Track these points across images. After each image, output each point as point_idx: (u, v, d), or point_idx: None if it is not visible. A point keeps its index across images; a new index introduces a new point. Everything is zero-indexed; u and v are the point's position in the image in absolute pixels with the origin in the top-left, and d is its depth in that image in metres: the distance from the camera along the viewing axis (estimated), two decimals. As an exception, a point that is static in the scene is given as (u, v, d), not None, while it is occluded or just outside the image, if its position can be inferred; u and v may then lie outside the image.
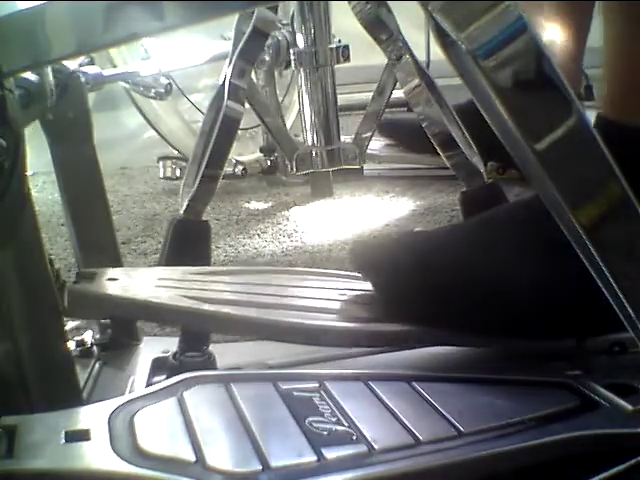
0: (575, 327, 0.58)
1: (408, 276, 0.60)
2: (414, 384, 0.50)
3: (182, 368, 0.58)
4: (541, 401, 0.48)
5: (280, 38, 1.24)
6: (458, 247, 0.61)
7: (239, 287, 0.66)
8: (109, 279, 0.62)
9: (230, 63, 0.96)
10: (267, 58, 1.25)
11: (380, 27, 1.01)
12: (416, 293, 0.59)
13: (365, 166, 1.33)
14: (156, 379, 0.61)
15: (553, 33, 1.14)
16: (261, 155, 1.43)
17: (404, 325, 0.59)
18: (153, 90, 1.13)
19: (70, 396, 0.51)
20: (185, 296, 0.61)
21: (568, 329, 0.58)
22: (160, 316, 0.61)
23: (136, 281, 0.64)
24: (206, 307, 0.59)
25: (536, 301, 0.57)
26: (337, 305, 0.63)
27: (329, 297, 0.65)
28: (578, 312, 0.56)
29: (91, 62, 0.80)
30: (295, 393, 0.49)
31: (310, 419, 0.45)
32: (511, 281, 0.57)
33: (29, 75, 0.58)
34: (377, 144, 1.41)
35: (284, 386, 0.49)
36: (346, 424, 0.45)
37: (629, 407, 0.47)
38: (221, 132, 0.94)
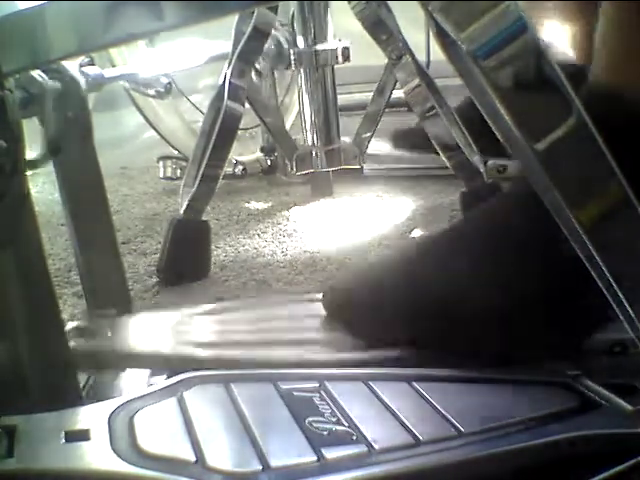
0: (575, 328, 0.57)
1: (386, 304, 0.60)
2: (414, 384, 0.50)
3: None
4: (541, 401, 0.48)
5: (280, 38, 1.24)
6: (426, 266, 0.60)
7: (241, 325, 0.66)
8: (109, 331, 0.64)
9: (230, 63, 0.96)
10: (267, 57, 1.25)
11: (380, 27, 1.01)
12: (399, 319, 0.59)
13: (365, 166, 1.33)
14: (156, 379, 0.61)
15: (559, 34, 1.13)
16: (261, 155, 1.43)
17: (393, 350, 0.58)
18: (153, 90, 1.13)
19: (70, 396, 0.51)
20: (189, 342, 0.61)
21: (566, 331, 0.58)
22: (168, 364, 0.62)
23: (135, 331, 0.65)
24: (210, 352, 0.60)
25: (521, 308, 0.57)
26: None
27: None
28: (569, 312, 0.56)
29: (91, 62, 0.80)
30: (295, 393, 0.49)
31: (310, 419, 0.45)
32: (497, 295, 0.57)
33: (29, 75, 0.58)
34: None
35: (284, 386, 0.49)
36: (346, 424, 0.45)
37: (629, 407, 0.47)
38: (221, 132, 0.94)
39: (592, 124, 0.38)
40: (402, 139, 1.34)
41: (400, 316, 0.59)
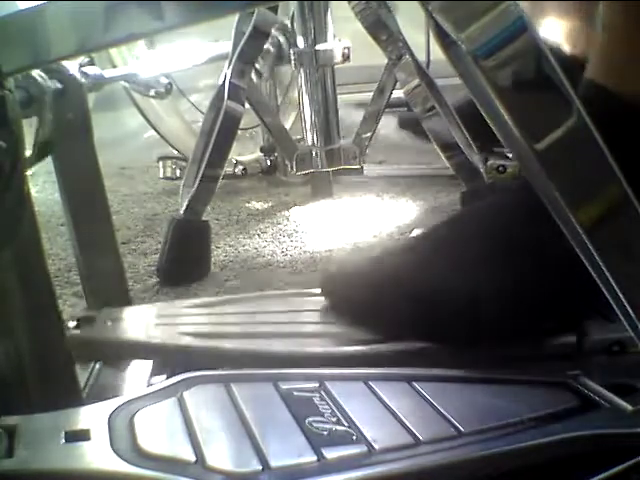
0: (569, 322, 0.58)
1: (382, 295, 0.60)
2: (414, 384, 0.50)
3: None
4: (541, 401, 0.48)
5: (280, 38, 1.24)
6: (426, 258, 0.61)
7: (236, 318, 0.66)
8: (108, 321, 0.65)
9: (230, 63, 0.96)
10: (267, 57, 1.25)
11: (380, 27, 1.01)
12: (393, 310, 0.60)
13: (365, 166, 1.33)
14: (156, 379, 0.61)
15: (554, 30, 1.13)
16: (261, 155, 1.43)
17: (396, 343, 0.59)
18: (153, 90, 1.13)
19: (70, 396, 0.51)
20: (184, 333, 0.62)
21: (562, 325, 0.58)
22: (161, 355, 0.62)
23: (135, 321, 0.66)
24: (207, 343, 0.60)
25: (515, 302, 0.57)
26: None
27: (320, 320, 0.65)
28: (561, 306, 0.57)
29: (91, 62, 0.80)
30: (295, 393, 0.48)
31: (310, 419, 0.45)
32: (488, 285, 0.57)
33: (29, 75, 0.58)
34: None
35: (284, 386, 0.49)
36: (346, 424, 0.45)
37: (629, 407, 0.47)
38: (221, 132, 0.95)
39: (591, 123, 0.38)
40: (410, 122, 1.34)
41: (399, 305, 0.59)
